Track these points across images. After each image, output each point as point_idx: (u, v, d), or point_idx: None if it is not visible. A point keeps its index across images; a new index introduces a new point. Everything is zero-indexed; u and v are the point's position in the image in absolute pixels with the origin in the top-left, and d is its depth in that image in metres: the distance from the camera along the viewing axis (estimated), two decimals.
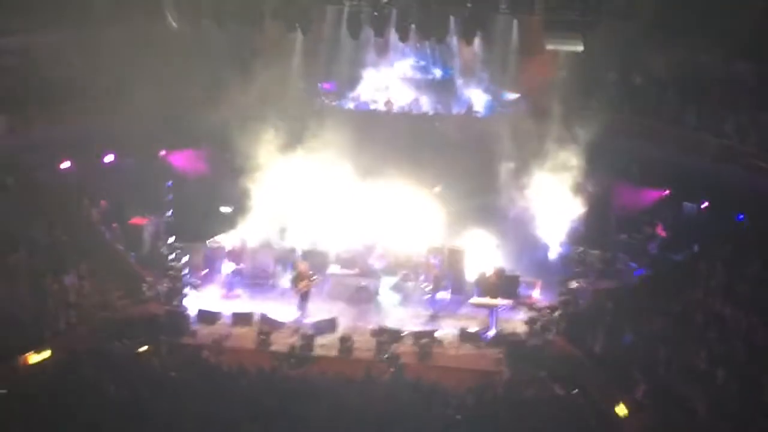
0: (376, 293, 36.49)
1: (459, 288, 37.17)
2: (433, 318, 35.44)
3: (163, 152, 41.53)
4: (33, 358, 30.03)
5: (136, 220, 39.29)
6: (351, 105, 43.54)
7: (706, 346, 27.95)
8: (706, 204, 37.59)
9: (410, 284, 36.91)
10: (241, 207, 39.29)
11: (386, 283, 36.79)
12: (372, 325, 34.28)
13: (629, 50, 38.89)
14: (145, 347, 31.87)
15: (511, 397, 28.42)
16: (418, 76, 44.24)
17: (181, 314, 34.21)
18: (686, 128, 37.57)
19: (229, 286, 36.93)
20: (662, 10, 36.37)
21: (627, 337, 30.26)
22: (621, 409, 27.85)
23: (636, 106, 39.33)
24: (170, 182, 40.41)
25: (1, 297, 31.17)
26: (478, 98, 42.86)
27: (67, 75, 39.84)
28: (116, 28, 39.84)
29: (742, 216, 35.35)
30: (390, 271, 36.98)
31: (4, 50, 39.54)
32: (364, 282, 37.08)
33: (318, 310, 35.18)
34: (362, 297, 36.67)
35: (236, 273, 37.12)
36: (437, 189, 38.75)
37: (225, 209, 40.08)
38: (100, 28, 39.81)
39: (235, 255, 37.01)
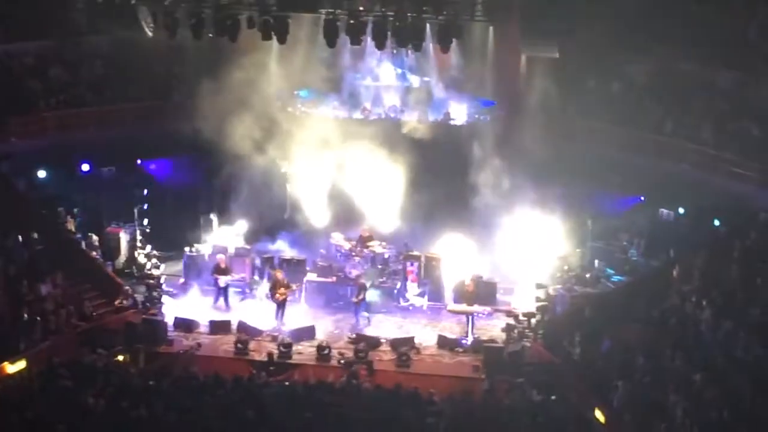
0: (354, 301, 36.42)
1: (436, 295, 37.20)
2: (411, 325, 35.46)
3: (140, 161, 41.46)
4: (9, 368, 29.84)
5: (112, 228, 39.20)
6: (328, 112, 43.48)
7: (684, 352, 28.03)
8: (682, 210, 37.73)
9: (387, 291, 36.90)
10: (220, 215, 39.44)
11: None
12: (350, 333, 34.32)
13: (607, 57, 39.01)
14: (123, 356, 31.76)
15: (489, 404, 28.45)
16: (395, 83, 44.26)
17: (158, 323, 34.02)
18: (664, 135, 37.73)
19: (216, 298, 36.70)
20: (640, 17, 36.52)
21: (605, 343, 30.37)
22: (599, 416, 27.95)
23: (614, 113, 39.45)
24: (146, 191, 40.35)
25: None
26: (455, 105, 42.90)
27: (45, 84, 39.79)
28: (95, 39, 39.88)
29: (718, 222, 35.51)
30: (367, 278, 36.87)
31: None
32: (341, 290, 37.07)
33: (295, 318, 35.11)
34: (339, 305, 36.67)
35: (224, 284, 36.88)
36: None
37: (209, 217, 40.09)
38: (79, 38, 39.81)
39: (221, 268, 36.69)
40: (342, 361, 32.03)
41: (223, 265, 36.45)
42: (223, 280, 36.36)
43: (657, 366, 28.19)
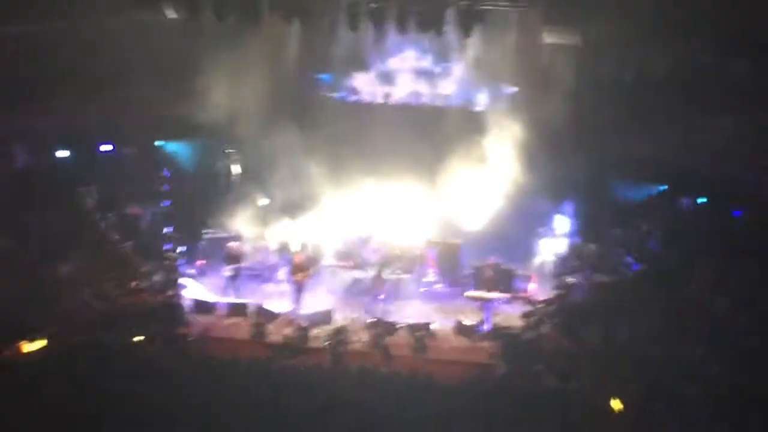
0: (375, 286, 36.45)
1: (454, 281, 37.17)
2: (429, 310, 35.43)
3: (160, 142, 41.54)
4: (26, 347, 29.95)
5: (132, 209, 39.26)
6: (349, 97, 43.45)
7: (701, 342, 27.98)
8: (702, 200, 37.63)
9: (405, 276, 36.86)
10: (239, 198, 39.55)
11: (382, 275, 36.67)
12: (367, 318, 34.34)
13: (626, 48, 38.82)
14: (140, 338, 31.80)
15: (506, 391, 28.38)
16: (417, 68, 44.18)
17: (176, 305, 34.12)
18: (683, 127, 37.62)
19: (227, 287, 36.67)
20: (660, 9, 36.35)
21: (622, 332, 30.29)
22: (615, 404, 27.88)
23: (632, 104, 39.35)
24: (166, 172, 40.42)
25: None
26: (476, 92, 42.79)
27: (64, 65, 39.83)
28: (114, 19, 39.86)
29: (738, 212, 35.42)
30: (385, 263, 36.84)
31: (1, 38, 39.53)
32: (359, 275, 37.08)
33: (313, 302, 35.12)
34: (357, 289, 36.68)
35: (236, 272, 36.82)
36: None
37: (222, 200, 40.19)
38: (97, 18, 39.81)
39: (233, 255, 36.69)
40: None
41: (234, 253, 36.41)
42: (232, 269, 36.33)
43: (674, 356, 28.13)
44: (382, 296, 35.34)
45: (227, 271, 36.25)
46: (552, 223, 38.24)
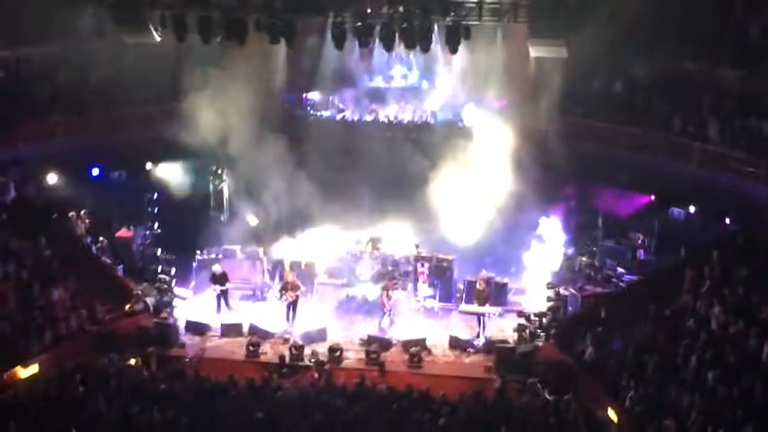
0: (365, 302, 36.46)
1: (447, 295, 37.17)
2: (422, 325, 35.41)
3: (148, 165, 41.59)
4: (21, 372, 29.93)
5: (122, 232, 39.26)
6: (335, 115, 43.55)
7: (696, 351, 28.02)
8: (693, 209, 37.73)
9: (398, 292, 36.83)
10: (229, 218, 39.64)
11: (373, 291, 36.66)
12: (361, 335, 34.33)
13: (613, 57, 38.93)
14: (135, 360, 31.77)
15: (501, 404, 28.41)
16: (403, 85, 44.31)
17: (169, 326, 34.05)
18: (672, 134, 37.76)
19: (218, 307, 36.56)
20: (645, 17, 36.48)
21: (616, 343, 30.34)
22: (611, 415, 27.95)
23: (621, 113, 39.49)
24: (155, 194, 40.44)
25: None
26: (463, 106, 42.90)
27: (54, 89, 39.92)
28: (102, 43, 39.96)
29: (729, 220, 35.51)
30: (377, 280, 36.85)
31: None
32: (351, 292, 37.10)
33: (307, 320, 35.10)
34: (350, 307, 36.70)
35: (223, 293, 36.73)
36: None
37: (213, 220, 40.28)
38: (86, 42, 39.91)
39: (219, 276, 36.61)
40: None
41: (218, 274, 36.37)
42: (219, 289, 36.28)
43: (669, 365, 28.18)
44: (387, 310, 35.30)
45: (214, 291, 36.21)
46: (543, 236, 38.23)
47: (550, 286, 36.27)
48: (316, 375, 30.96)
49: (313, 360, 32.05)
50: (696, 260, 32.46)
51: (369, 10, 36.90)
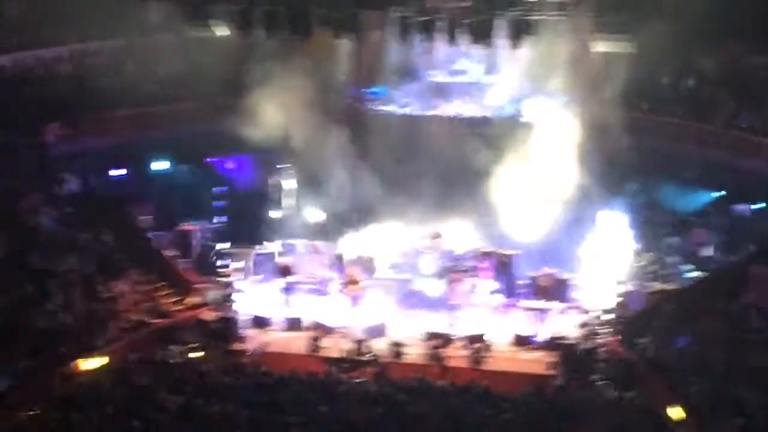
0: (427, 297, 36.36)
1: (510, 291, 36.98)
2: (485, 321, 35.26)
3: (213, 158, 41.80)
4: (85, 365, 30.17)
5: (185, 226, 39.51)
6: (398, 110, 43.50)
7: (762, 347, 27.69)
8: (761, 205, 37.31)
9: (460, 287, 36.68)
10: (292, 212, 39.65)
11: (436, 287, 36.56)
12: (423, 330, 34.24)
13: (681, 52, 38.55)
14: (197, 353, 31.95)
15: (563, 401, 28.24)
16: (467, 80, 44.12)
17: (231, 320, 34.23)
18: (740, 130, 37.34)
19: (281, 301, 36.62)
20: (713, 11, 36.12)
21: (681, 340, 30.03)
22: (676, 413, 27.64)
23: (689, 109, 39.11)
24: (219, 188, 40.65)
25: (53, 304, 31.37)
26: (526, 101, 42.67)
27: (119, 83, 40.21)
28: (168, 37, 40.21)
29: None
30: (441, 275, 36.74)
31: (58, 58, 39.98)
32: (414, 286, 37.02)
33: (368, 315, 35.08)
34: (413, 301, 36.61)
35: (288, 286, 36.80)
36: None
37: (275, 214, 40.36)
38: (152, 36, 40.18)
39: (284, 269, 36.73)
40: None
41: (281, 268, 36.42)
42: (284, 282, 36.36)
43: (735, 361, 27.84)
44: (450, 305, 35.18)
45: (280, 284, 36.28)
46: (607, 231, 37.91)
47: (614, 282, 35.98)
48: (378, 370, 30.96)
49: (374, 355, 32.06)
50: (763, 256, 32.10)
51: (433, 5, 36.86)
